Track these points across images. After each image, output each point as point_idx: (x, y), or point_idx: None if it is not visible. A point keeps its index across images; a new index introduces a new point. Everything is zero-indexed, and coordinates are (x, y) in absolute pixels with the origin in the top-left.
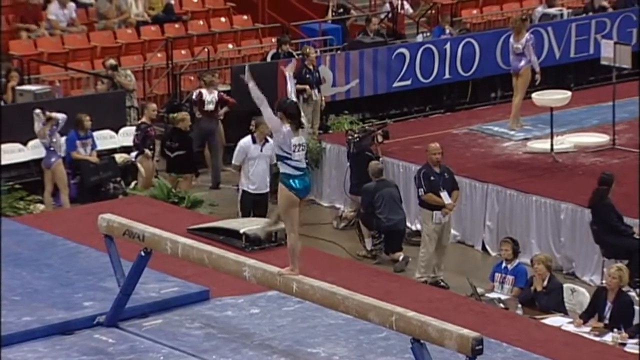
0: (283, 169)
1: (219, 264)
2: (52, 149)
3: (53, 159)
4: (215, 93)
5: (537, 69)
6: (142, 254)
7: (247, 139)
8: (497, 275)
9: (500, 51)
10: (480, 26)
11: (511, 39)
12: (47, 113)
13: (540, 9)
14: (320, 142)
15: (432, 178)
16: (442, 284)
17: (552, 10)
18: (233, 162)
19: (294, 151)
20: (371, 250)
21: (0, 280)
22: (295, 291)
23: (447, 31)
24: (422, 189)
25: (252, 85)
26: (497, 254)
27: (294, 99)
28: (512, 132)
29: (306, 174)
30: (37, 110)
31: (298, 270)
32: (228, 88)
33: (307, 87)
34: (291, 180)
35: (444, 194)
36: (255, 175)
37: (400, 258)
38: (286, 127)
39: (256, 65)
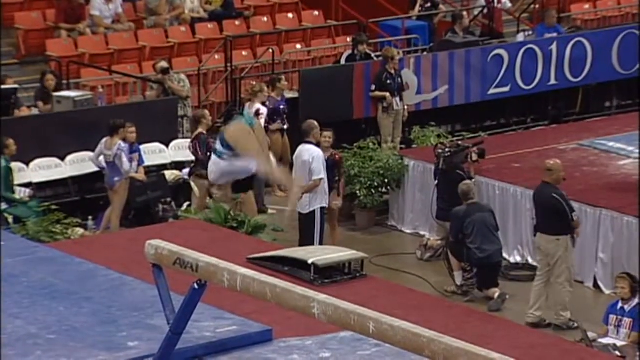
0: None
1: (284, 299)
2: (115, 164)
3: (116, 178)
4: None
5: None
6: (196, 286)
7: (317, 149)
8: (612, 318)
9: (617, 53)
10: (593, 23)
11: None
12: None
13: None
14: (402, 159)
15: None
16: (547, 322)
17: None
18: (319, 176)
19: None
20: (461, 286)
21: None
22: (372, 332)
23: (562, 27)
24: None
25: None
26: (612, 293)
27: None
28: (631, 148)
29: None
30: None
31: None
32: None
33: (387, 94)
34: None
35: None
36: (326, 189)
37: (496, 295)
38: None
39: (328, 68)
